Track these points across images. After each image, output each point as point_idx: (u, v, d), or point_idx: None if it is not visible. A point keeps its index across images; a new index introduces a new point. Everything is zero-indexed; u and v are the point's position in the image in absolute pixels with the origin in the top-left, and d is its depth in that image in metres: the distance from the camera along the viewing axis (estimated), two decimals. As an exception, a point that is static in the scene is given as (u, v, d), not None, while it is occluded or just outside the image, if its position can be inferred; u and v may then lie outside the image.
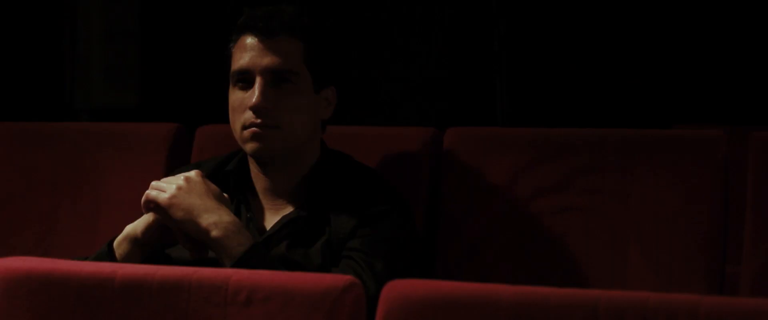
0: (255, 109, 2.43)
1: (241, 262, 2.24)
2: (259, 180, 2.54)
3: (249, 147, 2.47)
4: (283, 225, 2.46)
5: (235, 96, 2.48)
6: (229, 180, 2.55)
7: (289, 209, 2.49)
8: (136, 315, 1.92)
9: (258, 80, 2.45)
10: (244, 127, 2.46)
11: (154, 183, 2.36)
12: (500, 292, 1.75)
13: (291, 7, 2.51)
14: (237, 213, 2.49)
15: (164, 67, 5.06)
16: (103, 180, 3.12)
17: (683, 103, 4.72)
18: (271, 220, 2.49)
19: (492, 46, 4.89)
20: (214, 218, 2.29)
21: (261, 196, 2.53)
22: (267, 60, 2.45)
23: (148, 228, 2.35)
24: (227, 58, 2.54)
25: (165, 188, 2.33)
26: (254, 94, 2.43)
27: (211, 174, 2.55)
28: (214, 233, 2.28)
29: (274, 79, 2.45)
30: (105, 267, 1.97)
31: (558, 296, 1.72)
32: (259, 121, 2.44)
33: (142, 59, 5.17)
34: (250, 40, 2.47)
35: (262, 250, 2.33)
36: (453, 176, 2.87)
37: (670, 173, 2.77)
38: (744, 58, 4.66)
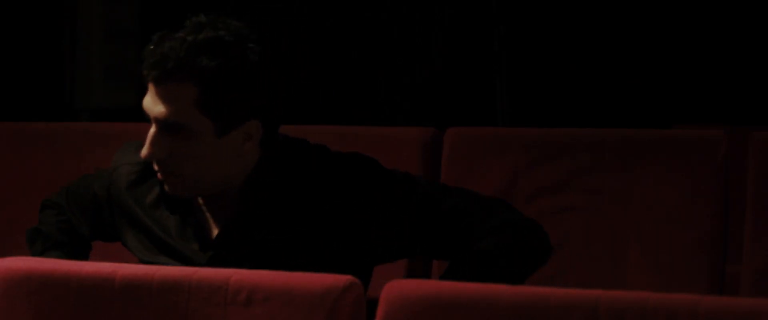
0: (145, 159, 2.25)
1: None
2: None
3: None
4: (227, 232, 2.29)
5: None
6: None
7: (232, 212, 2.31)
8: (136, 315, 1.92)
9: (152, 128, 2.24)
10: None
11: None
12: (500, 292, 1.75)
13: (188, 43, 2.20)
14: (182, 222, 2.33)
15: (164, 67, 5.04)
16: (103, 180, 3.12)
17: (683, 103, 4.73)
18: (215, 227, 2.32)
19: (492, 46, 4.90)
20: None
21: (199, 204, 2.36)
22: (157, 110, 2.21)
23: None
24: None
25: None
26: (145, 145, 2.24)
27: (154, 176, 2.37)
28: None
29: (167, 127, 2.22)
30: (105, 267, 1.97)
31: (558, 296, 1.72)
32: (157, 168, 2.26)
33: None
34: (148, 82, 2.24)
35: None
36: (453, 176, 2.87)
37: (670, 173, 2.77)
38: (744, 58, 4.66)
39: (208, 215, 2.32)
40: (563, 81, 4.85)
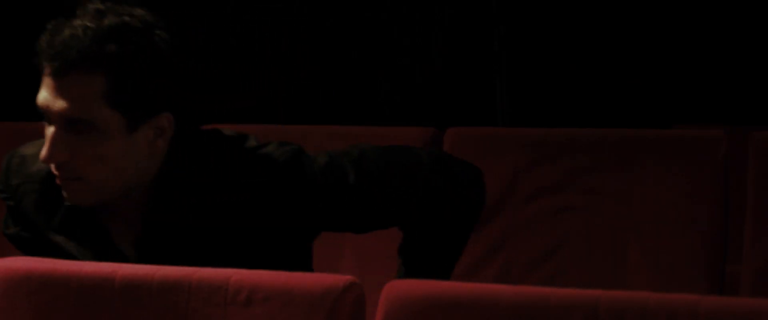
0: (45, 162, 2.03)
1: None
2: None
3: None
4: (142, 248, 2.13)
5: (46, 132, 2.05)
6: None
7: (142, 220, 2.12)
8: (136, 315, 1.92)
9: (52, 126, 2.01)
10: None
11: None
12: (500, 292, 1.75)
13: (92, 30, 1.99)
14: (93, 239, 2.15)
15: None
16: (103, 180, 3.12)
17: (683, 103, 4.72)
18: (127, 239, 2.16)
19: (492, 46, 4.89)
20: None
21: (107, 215, 2.15)
22: (58, 105, 1.98)
23: None
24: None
25: None
26: (45, 146, 2.01)
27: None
28: None
29: (70, 124, 2.00)
30: (105, 267, 1.97)
31: (558, 296, 1.72)
32: (58, 173, 2.04)
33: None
34: (45, 75, 2.00)
35: None
36: (453, 176, 2.87)
37: (670, 173, 2.78)
38: (744, 58, 4.66)
39: (118, 226, 2.14)
40: (563, 81, 4.85)
